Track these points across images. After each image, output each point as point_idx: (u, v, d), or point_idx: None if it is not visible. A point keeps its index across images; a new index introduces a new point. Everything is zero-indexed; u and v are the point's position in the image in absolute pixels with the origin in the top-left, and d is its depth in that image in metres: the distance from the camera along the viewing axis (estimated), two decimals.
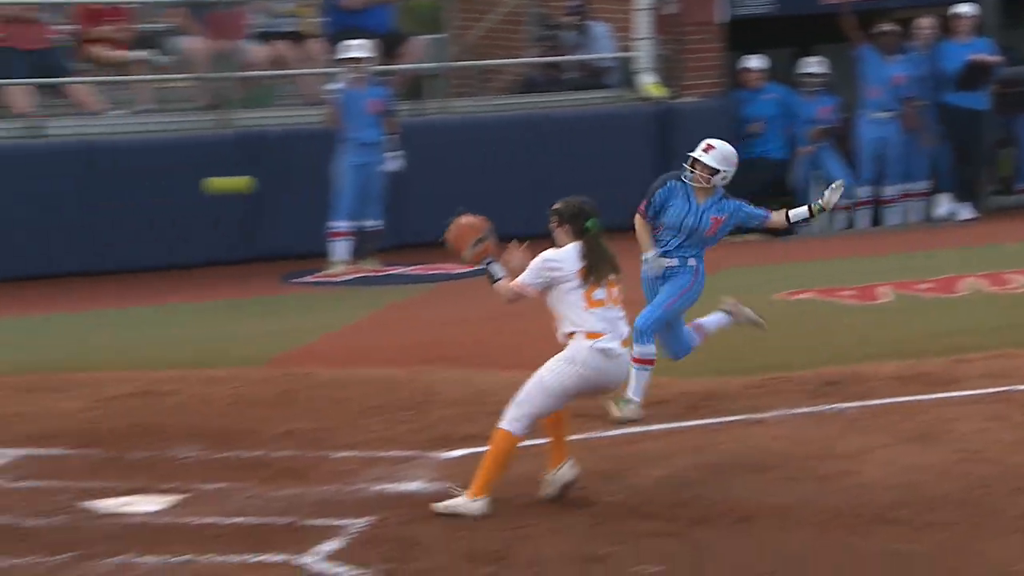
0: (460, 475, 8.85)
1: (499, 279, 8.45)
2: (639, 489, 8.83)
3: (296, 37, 16.32)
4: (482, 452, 8.84)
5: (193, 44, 15.77)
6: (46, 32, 15.38)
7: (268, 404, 10.40)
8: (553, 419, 8.56)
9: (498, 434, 8.33)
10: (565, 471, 8.56)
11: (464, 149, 15.84)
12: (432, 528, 8.20)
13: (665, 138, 16.71)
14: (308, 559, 7.82)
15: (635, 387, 10.01)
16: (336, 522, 8.29)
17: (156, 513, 8.50)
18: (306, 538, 8.05)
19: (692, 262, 10.18)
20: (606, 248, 8.43)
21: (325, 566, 7.74)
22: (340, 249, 14.90)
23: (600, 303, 8.31)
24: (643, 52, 16.99)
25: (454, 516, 8.27)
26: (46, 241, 14.51)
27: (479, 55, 17.49)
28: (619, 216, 16.56)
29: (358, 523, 8.28)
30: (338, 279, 14.80)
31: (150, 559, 7.80)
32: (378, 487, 8.83)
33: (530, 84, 17.30)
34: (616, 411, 10.05)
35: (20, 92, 14.98)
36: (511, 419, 8.32)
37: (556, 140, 16.31)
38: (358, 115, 14.82)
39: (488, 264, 8.46)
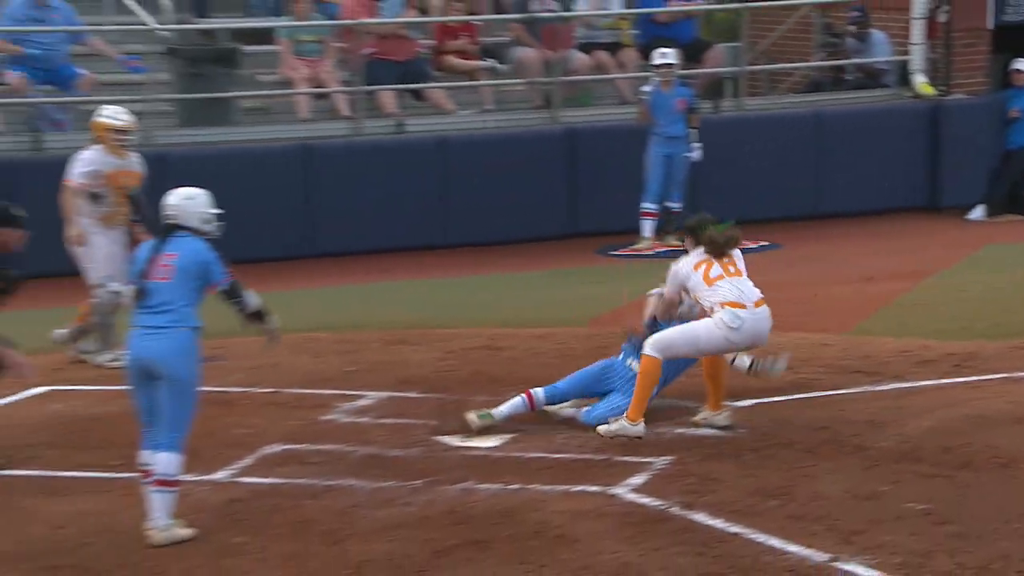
0: (750, 421, 8.73)
1: (653, 301, 8.82)
2: (908, 437, 8.56)
3: (614, 47, 16.32)
4: (768, 402, 8.68)
5: (528, 54, 15.91)
6: (413, 46, 15.71)
7: (586, 358, 10.38)
8: (712, 369, 8.59)
9: (645, 359, 8.45)
10: (722, 418, 8.61)
11: (756, 142, 15.65)
12: (725, 467, 8.10)
13: (935, 131, 16.28)
14: (619, 490, 7.82)
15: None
16: (643, 459, 8.26)
17: (493, 448, 8.61)
18: (617, 472, 8.05)
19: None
20: (718, 237, 8.50)
21: (633, 496, 7.73)
22: (648, 227, 14.85)
23: (719, 277, 8.42)
24: (916, 55, 16.49)
25: (627, 440, 8.35)
26: (407, 218, 14.82)
27: (771, 59, 17.23)
28: (896, 198, 16.29)
29: (661, 461, 8.24)
30: (645, 253, 14.75)
31: (488, 486, 7.91)
32: (679, 430, 8.76)
33: (815, 85, 17.03)
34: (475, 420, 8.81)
35: (388, 96, 15.37)
36: (654, 349, 8.43)
37: (838, 134, 16.01)
38: (666, 112, 14.74)
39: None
